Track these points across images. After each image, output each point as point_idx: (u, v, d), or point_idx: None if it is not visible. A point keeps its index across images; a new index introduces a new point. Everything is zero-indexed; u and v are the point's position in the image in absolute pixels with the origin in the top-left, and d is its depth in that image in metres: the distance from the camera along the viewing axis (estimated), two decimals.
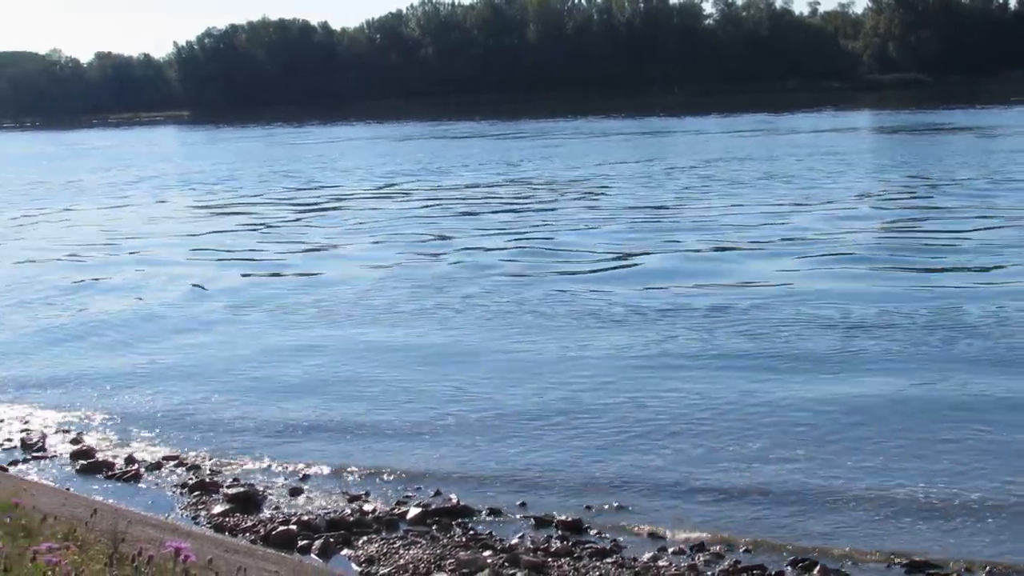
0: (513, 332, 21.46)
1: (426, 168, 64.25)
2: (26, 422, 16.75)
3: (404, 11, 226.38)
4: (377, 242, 34.65)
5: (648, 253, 30.29)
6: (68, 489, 13.58)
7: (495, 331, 21.67)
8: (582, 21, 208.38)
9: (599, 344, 20.13)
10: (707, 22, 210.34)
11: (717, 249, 30.44)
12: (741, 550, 11.57)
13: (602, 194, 45.95)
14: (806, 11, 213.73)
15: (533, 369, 18.62)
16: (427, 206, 44.67)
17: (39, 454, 15.20)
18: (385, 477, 13.98)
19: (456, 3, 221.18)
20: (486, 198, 46.80)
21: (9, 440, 15.82)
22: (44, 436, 15.94)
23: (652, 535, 12.00)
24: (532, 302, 24.05)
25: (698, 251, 30.17)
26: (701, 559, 11.36)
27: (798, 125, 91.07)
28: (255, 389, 18.21)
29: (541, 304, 23.80)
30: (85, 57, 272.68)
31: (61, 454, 15.19)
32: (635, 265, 28.79)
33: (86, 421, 16.76)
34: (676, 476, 13.57)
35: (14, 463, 14.80)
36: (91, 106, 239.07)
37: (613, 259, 29.72)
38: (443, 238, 34.75)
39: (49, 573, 5.95)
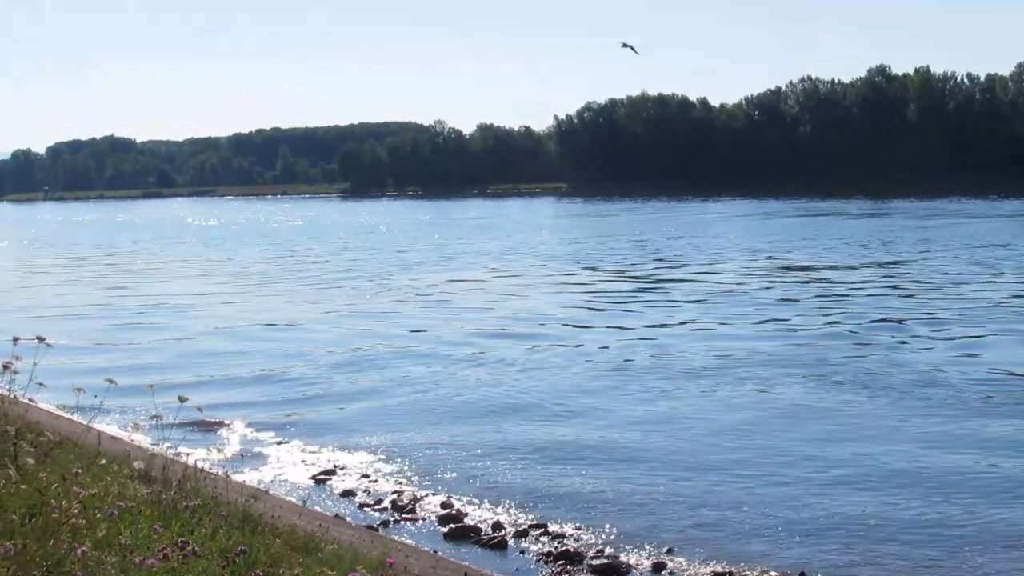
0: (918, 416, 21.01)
1: (799, 246, 63.69)
2: (399, 484, 17.38)
3: (783, 88, 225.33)
4: (751, 317, 34.63)
5: None
6: (437, 552, 13.98)
7: (891, 410, 21.30)
8: (963, 100, 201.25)
9: None
10: None
11: None
12: None
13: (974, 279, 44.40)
14: None
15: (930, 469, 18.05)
16: (798, 283, 44.34)
17: (409, 516, 15.73)
18: (752, 557, 13.74)
19: (836, 80, 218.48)
20: (861, 278, 46.02)
21: (380, 502, 16.43)
22: (415, 498, 16.50)
23: None
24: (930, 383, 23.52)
25: None
26: None
27: None
28: (621, 460, 18.33)
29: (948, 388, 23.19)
30: (467, 128, 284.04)
31: (431, 517, 15.66)
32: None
33: (456, 484, 17.25)
34: None
35: (385, 524, 15.38)
36: (471, 176, 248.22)
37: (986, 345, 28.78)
38: (813, 314, 34.42)
39: None
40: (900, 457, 17.97)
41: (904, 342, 28.99)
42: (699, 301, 38.78)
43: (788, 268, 50.46)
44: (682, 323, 33.66)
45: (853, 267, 49.95)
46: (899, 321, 32.58)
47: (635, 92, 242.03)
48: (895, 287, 41.58)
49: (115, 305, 42.85)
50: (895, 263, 50.86)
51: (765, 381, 24.34)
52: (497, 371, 26.65)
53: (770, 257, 56.39)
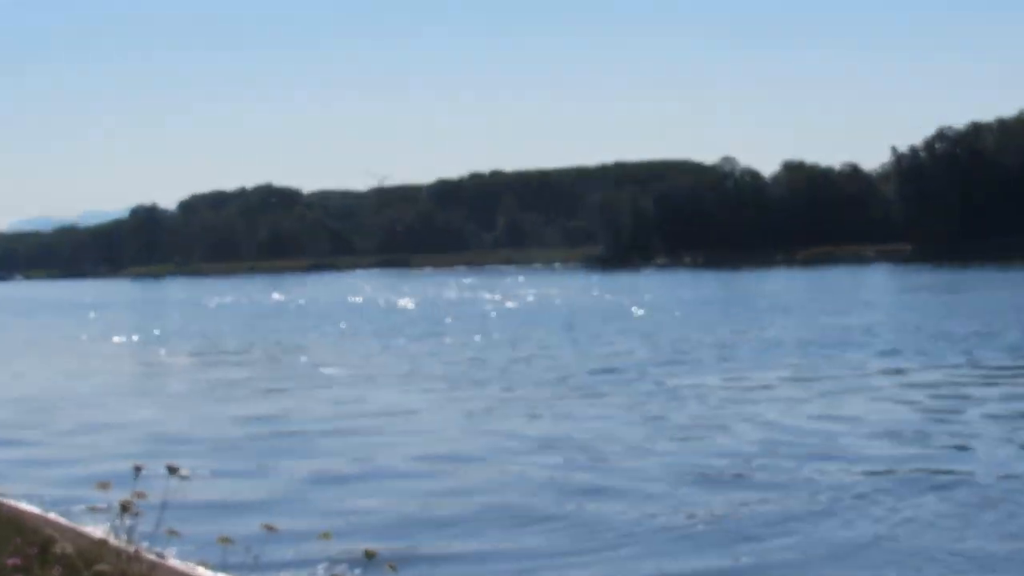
0: None
1: None
2: None
3: None
4: None
5: None
6: None
7: None
8: None
9: None
10: None
11: None
12: None
13: None
14: None
15: None
16: None
17: None
18: None
19: None
20: None
21: None
22: None
23: None
24: None
25: None
26: None
27: None
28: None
29: None
30: (768, 168, 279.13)
31: None
32: None
33: None
34: None
35: None
36: (773, 236, 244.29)
37: None
38: None
39: None
40: None
41: None
42: None
43: None
44: None
45: None
46: None
47: (1008, 112, 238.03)
48: None
49: (277, 421, 43.99)
50: None
51: None
52: (795, 499, 26.85)
53: None
